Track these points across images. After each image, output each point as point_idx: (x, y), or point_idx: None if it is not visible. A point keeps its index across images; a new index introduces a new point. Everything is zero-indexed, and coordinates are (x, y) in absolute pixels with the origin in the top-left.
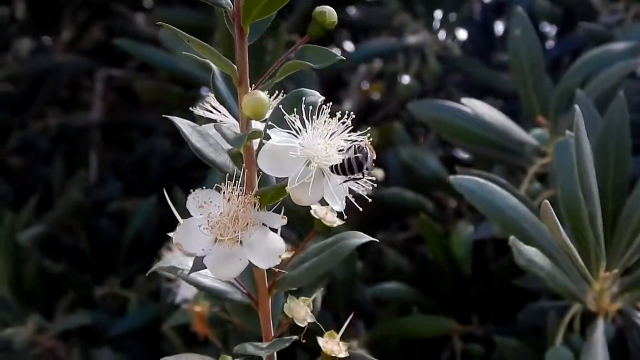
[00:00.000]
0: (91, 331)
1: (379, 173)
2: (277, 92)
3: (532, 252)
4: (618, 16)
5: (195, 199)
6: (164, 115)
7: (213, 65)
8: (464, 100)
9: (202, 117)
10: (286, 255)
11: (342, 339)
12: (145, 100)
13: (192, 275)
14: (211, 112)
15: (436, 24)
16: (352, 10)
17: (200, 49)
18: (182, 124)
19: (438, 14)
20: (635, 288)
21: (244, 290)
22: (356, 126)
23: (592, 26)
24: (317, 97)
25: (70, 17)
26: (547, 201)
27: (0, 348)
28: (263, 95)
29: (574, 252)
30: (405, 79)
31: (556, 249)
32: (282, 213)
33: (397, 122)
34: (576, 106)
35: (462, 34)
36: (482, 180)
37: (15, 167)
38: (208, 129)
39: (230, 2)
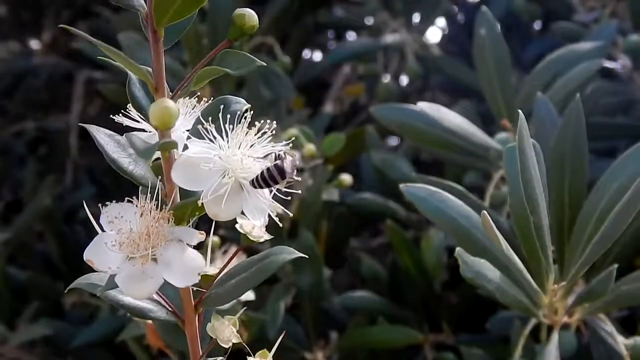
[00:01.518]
0: (57, 341)
1: (347, 178)
2: (201, 99)
3: (479, 264)
4: (595, 14)
5: (105, 214)
6: (79, 124)
7: (129, 72)
8: (420, 104)
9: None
10: (213, 271)
11: (313, 349)
12: (111, 102)
13: (112, 292)
14: (136, 120)
15: (415, 23)
16: (338, 11)
17: (111, 55)
18: (97, 132)
19: (417, 12)
20: (591, 298)
21: (170, 309)
22: (341, 129)
23: (567, 25)
24: (241, 104)
25: (53, 18)
26: (485, 212)
27: None
28: (171, 103)
29: (517, 264)
30: (385, 80)
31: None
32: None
33: (370, 126)
34: (519, 111)
35: (442, 34)
36: (432, 188)
37: None
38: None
39: (143, 3)
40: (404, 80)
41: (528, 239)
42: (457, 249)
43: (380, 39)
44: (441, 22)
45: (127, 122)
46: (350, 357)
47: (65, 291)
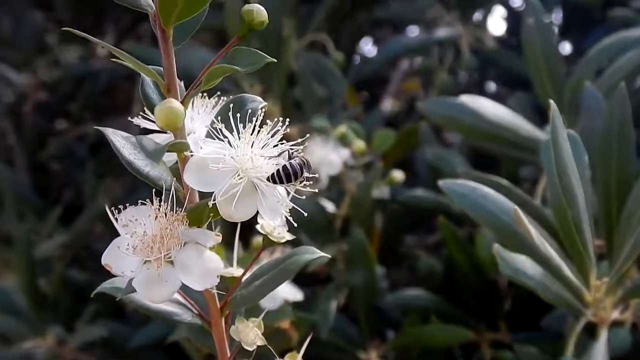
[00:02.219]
0: (115, 342)
1: (399, 175)
2: (218, 98)
3: (519, 261)
4: None
5: (120, 218)
6: (95, 127)
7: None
8: (463, 97)
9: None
10: (236, 274)
11: (367, 348)
12: None
13: (136, 296)
14: (151, 121)
15: (471, 16)
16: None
17: (122, 57)
18: (113, 135)
19: (472, 5)
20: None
21: (195, 311)
22: (400, 125)
23: (624, 11)
24: (258, 102)
25: (114, 22)
26: (517, 207)
27: None
28: (176, 104)
29: (555, 259)
30: (441, 74)
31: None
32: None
33: (423, 122)
34: (551, 101)
35: (498, 26)
36: (472, 184)
37: (54, 173)
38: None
39: (151, 3)
40: (462, 74)
41: (568, 234)
42: (495, 245)
43: (434, 33)
44: (500, 13)
45: (144, 123)
46: (405, 356)
47: (92, 296)
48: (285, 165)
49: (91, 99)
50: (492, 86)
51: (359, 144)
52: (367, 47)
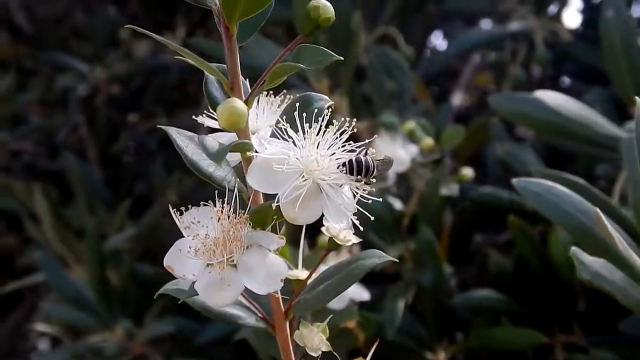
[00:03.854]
0: (183, 337)
1: (469, 172)
2: (284, 96)
3: (598, 264)
4: None
5: (182, 219)
6: (157, 125)
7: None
8: (538, 92)
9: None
10: (301, 276)
11: (435, 349)
12: None
13: (200, 299)
14: (216, 120)
15: (545, 8)
16: None
17: (185, 55)
18: (177, 135)
19: None
20: None
21: (260, 315)
22: (466, 121)
23: None
24: (324, 101)
25: (185, 16)
26: (598, 210)
27: (91, 354)
28: (239, 104)
29: (637, 263)
30: (514, 69)
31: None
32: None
33: (494, 117)
34: (637, 98)
35: (574, 19)
36: (548, 183)
37: (126, 166)
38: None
39: (216, 0)
40: (535, 68)
41: None
42: (573, 248)
43: (507, 26)
44: (576, 5)
45: (209, 122)
46: (474, 358)
47: (154, 297)
48: (358, 158)
49: (162, 92)
50: (567, 81)
51: (427, 141)
52: (438, 41)
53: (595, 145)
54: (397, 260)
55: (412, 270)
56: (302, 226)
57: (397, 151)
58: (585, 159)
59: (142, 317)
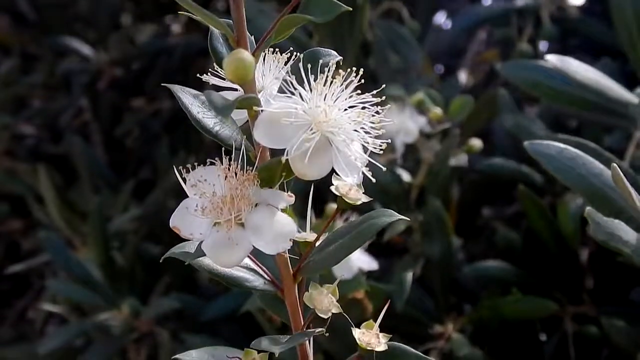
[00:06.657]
0: (189, 315)
1: (477, 143)
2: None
3: (614, 225)
4: None
5: (188, 178)
6: (162, 84)
7: (211, 26)
8: (549, 57)
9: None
10: (309, 238)
11: (443, 321)
12: None
13: (206, 261)
14: (223, 78)
15: None
16: None
17: (190, 8)
18: (181, 92)
19: None
20: None
21: (268, 278)
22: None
23: None
24: (332, 56)
25: None
26: (616, 165)
27: (99, 331)
28: (246, 54)
29: None
30: (520, 44)
31: None
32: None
33: (502, 89)
34: None
35: None
36: (561, 145)
37: (130, 149)
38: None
39: None
40: (542, 44)
41: None
42: (587, 208)
43: (513, 2)
44: None
45: (214, 80)
46: (483, 329)
47: (160, 260)
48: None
49: (166, 75)
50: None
51: (436, 111)
52: (442, 20)
53: (608, 113)
54: (408, 220)
55: (421, 243)
56: (307, 195)
57: (406, 122)
58: (594, 132)
59: (147, 296)
